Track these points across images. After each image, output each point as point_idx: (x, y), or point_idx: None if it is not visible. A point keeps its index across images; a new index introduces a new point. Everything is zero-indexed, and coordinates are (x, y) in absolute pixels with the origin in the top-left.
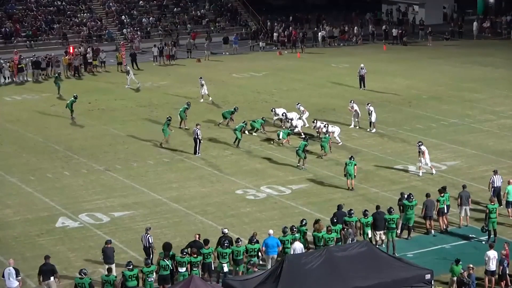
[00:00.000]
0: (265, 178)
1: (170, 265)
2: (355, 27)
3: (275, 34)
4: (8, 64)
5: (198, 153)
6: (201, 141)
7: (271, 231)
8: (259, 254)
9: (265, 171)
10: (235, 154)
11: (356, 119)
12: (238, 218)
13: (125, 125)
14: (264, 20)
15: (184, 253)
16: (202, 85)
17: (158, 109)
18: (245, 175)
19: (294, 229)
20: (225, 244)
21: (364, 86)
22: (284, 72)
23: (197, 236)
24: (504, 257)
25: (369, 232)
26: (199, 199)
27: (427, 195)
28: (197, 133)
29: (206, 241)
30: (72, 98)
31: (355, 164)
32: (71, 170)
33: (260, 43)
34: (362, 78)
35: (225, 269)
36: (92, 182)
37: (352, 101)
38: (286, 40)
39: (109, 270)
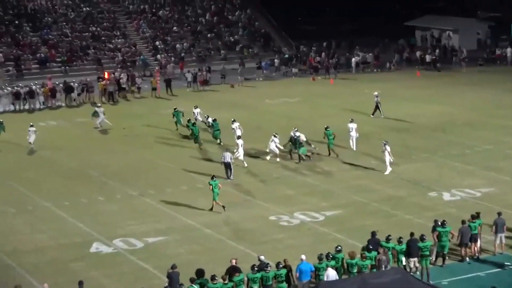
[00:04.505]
0: (298, 204)
1: None
2: (389, 53)
3: (308, 60)
4: (42, 89)
5: (231, 177)
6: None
7: (303, 256)
8: (290, 279)
9: (298, 197)
10: (268, 180)
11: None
12: (271, 244)
13: (158, 151)
14: (298, 46)
15: (216, 279)
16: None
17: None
18: (278, 201)
19: (330, 256)
20: (255, 269)
21: (377, 114)
22: (317, 98)
23: (234, 261)
24: None
25: (403, 259)
26: (232, 225)
27: (463, 222)
28: (230, 157)
29: (237, 269)
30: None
31: None
32: (105, 195)
33: (293, 69)
34: (376, 106)
35: None
36: (126, 207)
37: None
38: (319, 66)
39: None
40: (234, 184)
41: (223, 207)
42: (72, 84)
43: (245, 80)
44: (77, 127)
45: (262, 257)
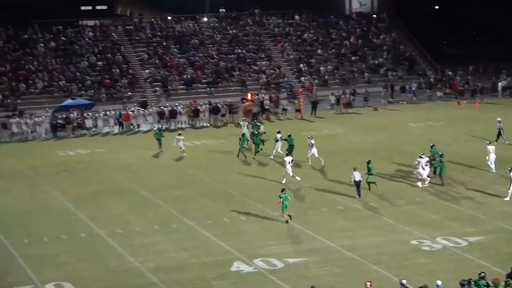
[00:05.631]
0: (440, 229)
1: None
2: None
3: (453, 83)
4: (185, 109)
5: (359, 197)
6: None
7: (439, 282)
8: None
9: (441, 222)
10: (410, 204)
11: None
12: (413, 269)
13: (297, 172)
14: (443, 70)
15: None
16: (312, 145)
17: (332, 158)
18: (420, 226)
19: (471, 282)
20: None
21: (502, 140)
22: (462, 122)
23: (369, 283)
24: None
25: None
26: (373, 248)
27: None
28: (359, 176)
29: None
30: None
31: None
32: (246, 215)
33: (438, 92)
34: (499, 132)
35: None
36: (267, 227)
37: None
38: (464, 90)
39: None
40: (376, 207)
41: (290, 217)
42: (219, 105)
43: (389, 103)
44: (220, 147)
45: (404, 281)
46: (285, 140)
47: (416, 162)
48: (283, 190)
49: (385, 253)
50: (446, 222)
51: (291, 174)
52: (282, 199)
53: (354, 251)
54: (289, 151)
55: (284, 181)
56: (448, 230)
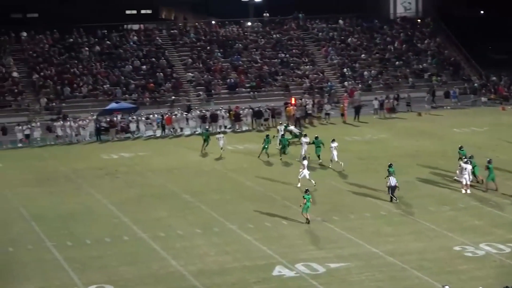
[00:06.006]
0: (484, 235)
1: None
2: None
3: (498, 89)
4: (227, 113)
5: (394, 201)
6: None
7: None
8: None
9: (484, 228)
10: (454, 209)
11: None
12: (455, 275)
13: (342, 177)
14: (488, 75)
15: None
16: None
17: (375, 163)
18: (464, 231)
19: None
20: None
21: None
22: (508, 128)
23: None
24: None
25: None
26: (416, 254)
27: None
28: (395, 181)
29: None
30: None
31: None
32: (288, 220)
33: (483, 98)
34: None
35: None
36: (309, 232)
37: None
38: (509, 95)
39: None
40: (418, 212)
41: (308, 221)
42: (262, 109)
43: (432, 109)
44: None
45: (447, 287)
46: (312, 143)
47: (463, 168)
48: (306, 191)
49: (427, 259)
50: (489, 228)
51: (307, 177)
52: (305, 200)
53: (396, 256)
54: (317, 153)
55: (299, 185)
56: (492, 236)
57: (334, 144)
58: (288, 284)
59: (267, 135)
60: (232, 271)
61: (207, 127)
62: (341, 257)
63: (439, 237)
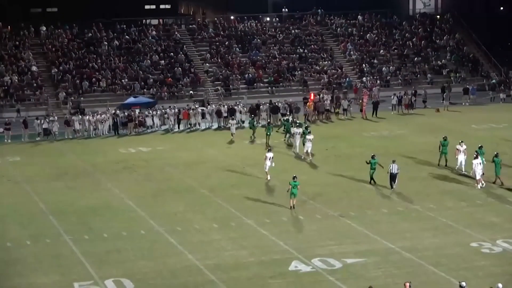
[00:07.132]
0: (501, 231)
1: None
2: None
3: None
4: (245, 108)
5: (394, 187)
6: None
7: (499, 285)
8: None
9: (502, 225)
10: (471, 206)
11: None
12: (472, 271)
13: (360, 172)
14: (507, 72)
15: None
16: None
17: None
18: (481, 228)
19: None
20: None
21: None
22: None
23: (408, 284)
24: None
25: None
26: (433, 250)
27: None
28: (397, 169)
29: None
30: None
31: None
32: (305, 215)
33: (501, 94)
34: None
35: None
36: (326, 227)
37: None
38: None
39: None
40: (435, 208)
41: (293, 207)
42: (278, 104)
43: (451, 105)
44: (279, 146)
45: (463, 284)
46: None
47: (475, 163)
48: (294, 177)
49: (444, 255)
50: (507, 224)
51: (266, 169)
52: (290, 186)
53: (413, 252)
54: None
55: (269, 177)
56: (509, 233)
57: (310, 137)
58: (304, 279)
59: (269, 122)
60: (249, 265)
61: (253, 116)
62: (358, 252)
63: (456, 233)
